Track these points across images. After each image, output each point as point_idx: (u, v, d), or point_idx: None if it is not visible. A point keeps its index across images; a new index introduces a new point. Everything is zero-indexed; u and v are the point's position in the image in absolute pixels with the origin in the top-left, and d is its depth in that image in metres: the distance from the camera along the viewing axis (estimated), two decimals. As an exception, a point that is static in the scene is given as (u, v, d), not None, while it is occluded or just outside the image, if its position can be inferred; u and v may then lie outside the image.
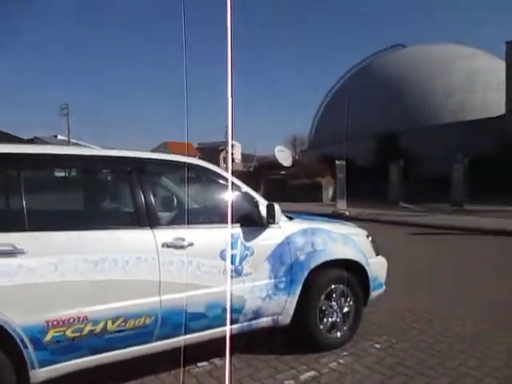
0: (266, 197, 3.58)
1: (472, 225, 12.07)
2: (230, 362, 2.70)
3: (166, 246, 2.84)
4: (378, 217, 14.83)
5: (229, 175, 3.36)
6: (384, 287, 4.08)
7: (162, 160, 3.31)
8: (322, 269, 3.51)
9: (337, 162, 17.20)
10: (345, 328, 3.66)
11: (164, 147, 52.38)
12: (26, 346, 2.38)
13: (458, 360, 3.34)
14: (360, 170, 25.33)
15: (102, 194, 3.26)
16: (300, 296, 3.40)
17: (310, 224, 3.69)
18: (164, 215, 3.22)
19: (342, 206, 16.39)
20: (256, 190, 3.57)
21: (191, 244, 2.93)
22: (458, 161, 18.50)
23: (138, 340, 2.77)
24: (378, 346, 3.65)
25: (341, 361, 3.36)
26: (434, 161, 25.06)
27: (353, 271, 3.69)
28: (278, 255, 3.32)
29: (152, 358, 2.96)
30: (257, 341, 3.64)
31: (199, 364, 3.29)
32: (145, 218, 2.87)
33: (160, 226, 2.93)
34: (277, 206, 3.26)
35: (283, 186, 25.33)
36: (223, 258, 3.03)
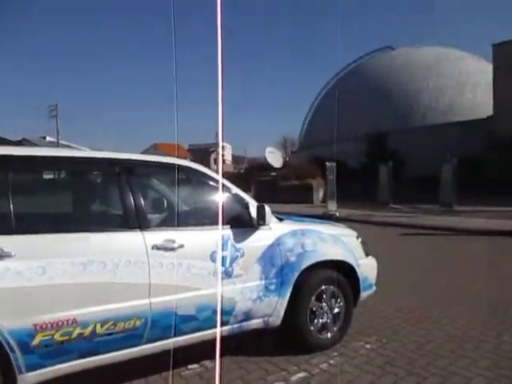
0: (256, 198, 3.58)
1: (461, 225, 12.19)
2: (221, 364, 2.69)
3: (156, 248, 2.82)
4: (368, 218, 14.92)
5: (219, 177, 3.35)
6: (374, 288, 4.10)
7: (151, 162, 3.29)
8: (313, 270, 3.51)
9: (327, 163, 17.27)
10: (335, 329, 3.67)
11: (154, 149, 52.15)
12: (13, 351, 2.35)
13: (448, 360, 3.37)
14: (350, 171, 25.50)
15: (90, 196, 3.23)
16: (290, 297, 3.40)
17: (300, 225, 3.70)
18: (154, 217, 3.21)
19: (332, 207, 16.44)
20: (246, 191, 3.57)
21: (181, 246, 2.91)
22: (447, 161, 18.67)
23: (128, 343, 2.75)
24: (368, 346, 3.67)
25: (331, 361, 3.37)
26: (423, 162, 25.31)
27: (343, 272, 3.71)
28: (268, 257, 3.32)
29: (142, 361, 2.94)
30: (247, 342, 3.63)
31: (189, 366, 3.28)
32: (134, 220, 2.85)
33: (150, 228, 2.92)
34: (267, 208, 3.26)
35: (274, 187, 25.35)
36: (213, 259, 3.03)
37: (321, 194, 23.60)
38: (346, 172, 22.94)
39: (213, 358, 3.00)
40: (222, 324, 3.05)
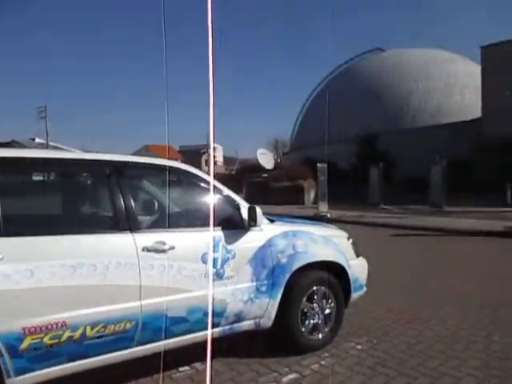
0: (248, 199, 3.58)
1: (450, 226, 12.32)
2: (211, 366, 2.68)
3: (147, 249, 2.81)
4: (359, 219, 15.00)
5: (210, 178, 3.35)
6: (365, 288, 4.11)
7: (142, 163, 3.28)
8: (304, 271, 3.52)
9: (318, 164, 17.32)
10: (326, 330, 3.67)
11: (145, 150, 51.97)
12: (1, 354, 2.31)
13: (438, 360, 3.39)
14: (341, 173, 25.62)
15: (80, 198, 3.20)
16: (282, 298, 3.40)
17: (291, 226, 3.70)
18: (144, 219, 3.19)
19: (323, 208, 16.50)
20: (238, 192, 3.57)
21: (172, 248, 2.90)
22: (436, 163, 18.86)
23: (118, 345, 2.73)
24: (359, 347, 3.68)
25: (322, 362, 3.38)
26: (413, 163, 25.50)
27: (334, 273, 3.72)
28: (259, 258, 3.32)
29: (132, 364, 2.91)
30: (238, 344, 3.62)
31: (180, 369, 3.26)
32: (124, 222, 2.83)
33: (140, 230, 2.90)
34: (258, 209, 3.26)
35: (265, 188, 25.38)
36: (204, 261, 3.01)
37: (312, 195, 23.67)
38: (337, 173, 23.03)
39: (204, 359, 3.00)
40: (213, 326, 3.03)
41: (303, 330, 3.52)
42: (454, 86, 34.62)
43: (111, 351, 2.71)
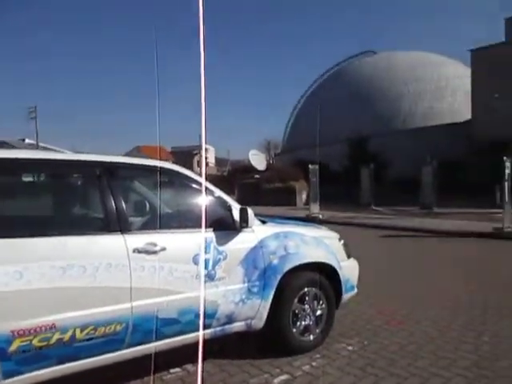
0: (240, 201, 3.58)
1: (440, 227, 12.42)
2: (203, 367, 2.68)
3: (138, 251, 2.79)
4: (350, 220, 15.06)
5: (202, 179, 3.34)
6: (356, 289, 4.13)
7: (133, 164, 3.26)
8: (295, 272, 3.52)
9: (310, 166, 17.37)
10: (317, 331, 3.68)
11: (137, 151, 51.75)
12: (-11, 357, 2.29)
13: (429, 360, 3.41)
14: (333, 174, 25.71)
15: (70, 199, 3.18)
16: (273, 300, 3.40)
17: (282, 227, 3.70)
18: (135, 220, 3.18)
19: (315, 209, 16.53)
20: (230, 194, 3.57)
21: (163, 249, 2.89)
22: (427, 164, 19.01)
23: (109, 348, 2.71)
24: (350, 348, 3.69)
25: (314, 363, 3.38)
26: (404, 164, 25.69)
27: (325, 274, 3.73)
28: (251, 259, 3.32)
29: (123, 366, 2.90)
30: (230, 345, 3.62)
31: (171, 370, 3.25)
32: (115, 223, 2.82)
33: (131, 231, 2.88)
34: (250, 210, 3.26)
35: (257, 190, 25.39)
36: (196, 262, 3.01)
37: (304, 196, 23.73)
38: (329, 175, 23.09)
39: (195, 361, 2.99)
40: (205, 327, 3.03)
41: (294, 331, 3.53)
42: (444, 88, 34.93)
43: (101, 353, 2.70)
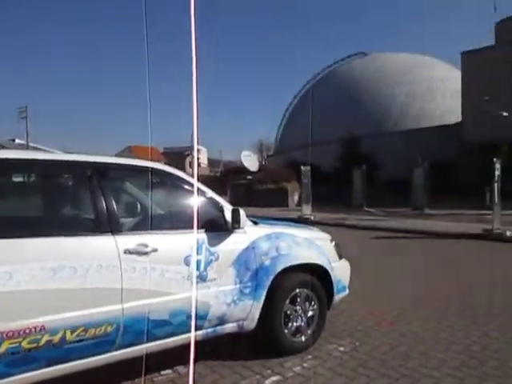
0: (232, 202, 3.57)
1: (431, 228, 12.51)
2: (194, 369, 2.67)
3: (129, 252, 2.78)
4: (342, 221, 15.12)
5: (194, 180, 3.33)
6: (347, 290, 4.14)
7: (124, 165, 3.25)
8: (287, 273, 3.52)
9: (302, 167, 17.40)
10: (309, 332, 3.69)
11: (129, 151, 51.53)
12: (-23, 359, 2.27)
13: (419, 361, 3.43)
14: (325, 175, 25.78)
15: (61, 200, 3.16)
16: (265, 301, 3.40)
17: (274, 229, 3.70)
18: (127, 221, 3.16)
19: (307, 210, 16.57)
20: (222, 194, 3.56)
21: (155, 250, 2.88)
22: (418, 165, 19.15)
23: (99, 349, 2.69)
24: (341, 348, 3.70)
25: (305, 364, 3.39)
26: (395, 165, 25.84)
27: (317, 275, 3.73)
28: (243, 260, 3.32)
29: (114, 367, 2.88)
30: (222, 347, 3.61)
31: (162, 372, 3.23)
32: (106, 224, 2.80)
33: (122, 232, 2.87)
34: (241, 211, 3.26)
35: (250, 190, 25.42)
36: (187, 263, 3.00)
37: (296, 197, 23.78)
38: (321, 176, 23.17)
39: (186, 363, 2.98)
40: (196, 328, 3.02)
41: (286, 332, 3.53)
42: (435, 90, 35.21)
43: (92, 355, 2.68)
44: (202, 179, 3.61)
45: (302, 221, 13.91)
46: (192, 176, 3.42)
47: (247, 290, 3.32)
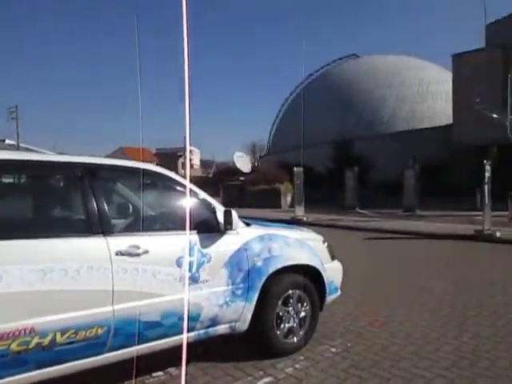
0: (225, 203, 3.57)
1: (422, 229, 12.59)
2: (186, 371, 2.66)
3: (120, 253, 2.76)
4: (334, 222, 15.17)
5: (186, 181, 3.32)
6: (339, 291, 4.15)
7: (115, 166, 3.23)
8: (279, 274, 3.52)
9: (295, 168, 17.44)
10: (301, 333, 3.69)
11: (121, 152, 51.30)
12: (-34, 362, 2.24)
13: (411, 361, 3.44)
14: (317, 177, 25.89)
15: (52, 201, 3.12)
16: (257, 302, 3.40)
17: (266, 230, 3.70)
18: (118, 222, 3.14)
19: (300, 211, 16.61)
20: (215, 196, 3.55)
21: (146, 251, 2.86)
22: (410, 167, 19.26)
23: (90, 351, 2.67)
24: (333, 349, 3.70)
25: (297, 366, 3.39)
26: (388, 167, 25.99)
27: (309, 276, 3.73)
28: (235, 261, 3.31)
29: (104, 370, 2.85)
30: (214, 348, 3.60)
31: (154, 374, 3.21)
32: (97, 225, 2.78)
33: (113, 234, 2.85)
34: (234, 212, 3.25)
35: (242, 192, 25.42)
36: (179, 265, 2.99)
37: (289, 198, 23.82)
38: (314, 177, 23.25)
39: (178, 364, 2.97)
40: (188, 330, 3.00)
41: (278, 333, 3.53)
42: (426, 92, 35.46)
43: (82, 357, 2.65)
44: (194, 180, 3.60)
45: (294, 222, 13.95)
46: (184, 177, 3.41)
47: (239, 292, 3.32)
